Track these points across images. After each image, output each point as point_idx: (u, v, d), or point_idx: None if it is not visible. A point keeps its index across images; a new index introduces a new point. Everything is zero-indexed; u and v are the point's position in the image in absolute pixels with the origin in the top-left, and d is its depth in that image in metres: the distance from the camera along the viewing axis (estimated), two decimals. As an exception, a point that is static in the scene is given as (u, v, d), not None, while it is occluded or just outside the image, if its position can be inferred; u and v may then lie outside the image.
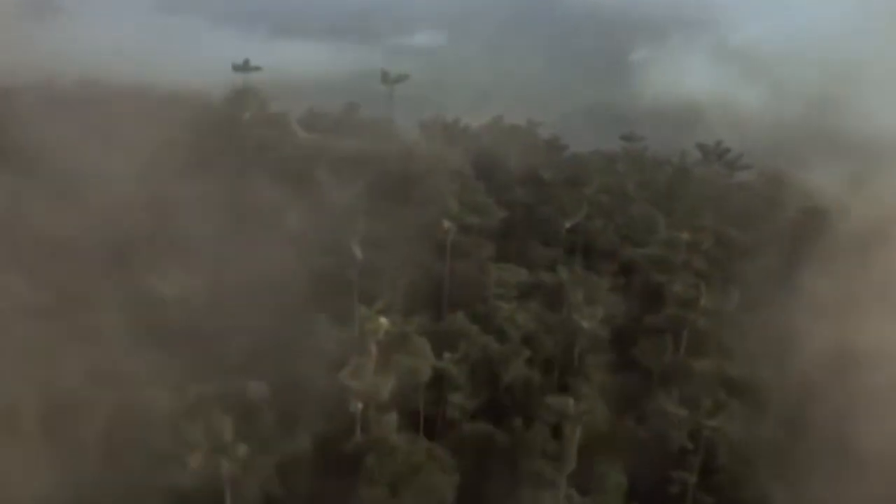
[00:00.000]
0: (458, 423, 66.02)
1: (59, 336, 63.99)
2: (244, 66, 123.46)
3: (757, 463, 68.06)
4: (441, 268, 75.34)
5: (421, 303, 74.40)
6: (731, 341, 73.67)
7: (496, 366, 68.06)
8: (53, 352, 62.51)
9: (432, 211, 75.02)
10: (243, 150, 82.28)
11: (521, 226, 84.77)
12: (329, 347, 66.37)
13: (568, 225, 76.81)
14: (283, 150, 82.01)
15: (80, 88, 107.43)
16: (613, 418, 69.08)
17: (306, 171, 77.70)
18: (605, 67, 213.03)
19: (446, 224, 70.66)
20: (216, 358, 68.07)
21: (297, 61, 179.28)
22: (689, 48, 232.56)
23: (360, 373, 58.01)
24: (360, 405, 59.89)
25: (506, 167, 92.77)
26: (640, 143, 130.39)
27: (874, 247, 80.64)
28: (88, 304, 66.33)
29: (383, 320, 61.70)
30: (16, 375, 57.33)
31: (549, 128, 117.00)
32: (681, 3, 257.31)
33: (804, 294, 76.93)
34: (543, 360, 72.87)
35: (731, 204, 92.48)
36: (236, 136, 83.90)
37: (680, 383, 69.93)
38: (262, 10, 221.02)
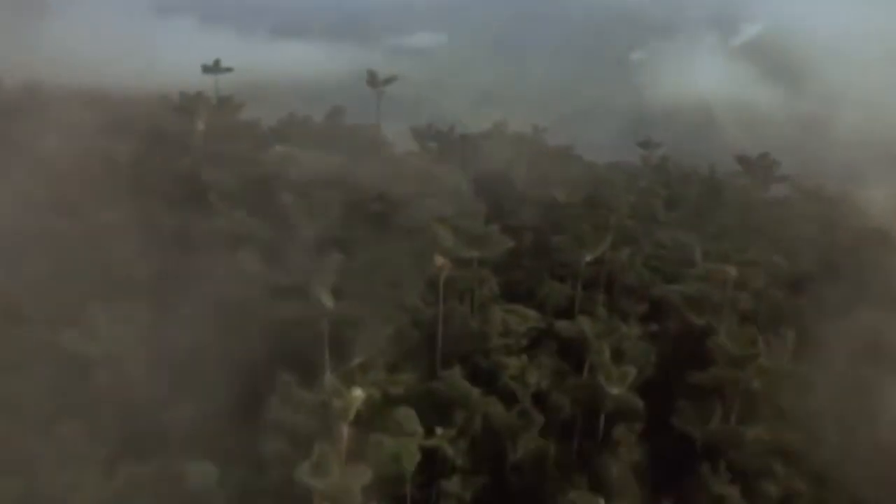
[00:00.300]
0: (454, 516, 52.59)
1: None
2: (214, 67, 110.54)
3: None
4: (434, 312, 61.68)
5: (409, 356, 60.90)
6: (790, 400, 60.09)
7: (502, 439, 54.61)
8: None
9: (423, 242, 61.40)
10: (193, 168, 68.66)
11: (529, 256, 71.06)
12: (294, 419, 53.08)
13: (589, 258, 63.09)
14: (242, 167, 68.23)
15: (22, 93, 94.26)
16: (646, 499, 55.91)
17: (269, 194, 64.06)
18: (608, 67, 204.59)
19: (440, 260, 57.02)
20: (152, 432, 55.07)
21: (296, 62, 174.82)
22: (696, 46, 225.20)
23: (325, 467, 44.41)
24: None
25: (510, 184, 78.95)
26: (657, 149, 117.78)
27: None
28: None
29: (358, 393, 48.20)
30: None
31: (553, 132, 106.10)
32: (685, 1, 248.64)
33: (877, 339, 63.49)
34: (559, 424, 59.45)
35: (773, 225, 78.65)
36: (186, 151, 70.32)
37: (728, 453, 56.76)
38: (261, 10, 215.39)
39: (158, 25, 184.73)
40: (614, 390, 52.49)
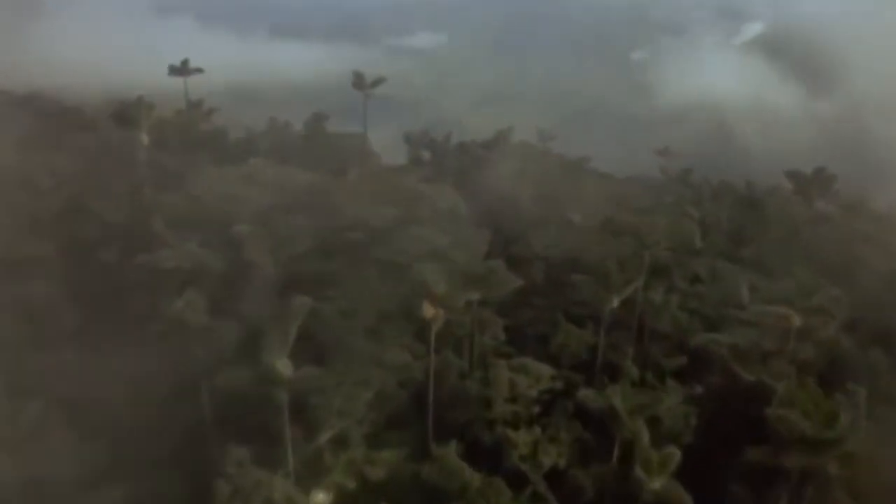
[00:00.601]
0: None
1: None
2: (182, 69, 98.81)
3: None
4: (424, 366, 49.89)
5: (393, 424, 49.21)
6: (867, 477, 48.25)
7: (510, 540, 42.94)
8: None
9: (410, 284, 49.57)
10: (135, 188, 56.96)
11: (540, 292, 59.12)
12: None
13: (616, 303, 51.29)
14: (192, 187, 56.38)
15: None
16: None
17: (219, 223, 52.24)
18: (609, 67, 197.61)
19: (429, 310, 45.17)
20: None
21: (295, 62, 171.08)
22: (698, 45, 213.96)
23: None
24: None
25: (516, 203, 67.04)
26: (675, 158, 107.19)
27: None
28: None
29: (320, 500, 36.50)
30: None
31: (553, 133, 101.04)
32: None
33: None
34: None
35: (824, 250, 66.82)
36: (127, 168, 58.64)
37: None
38: (260, 10, 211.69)
39: (157, 26, 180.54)
40: (655, 484, 40.68)
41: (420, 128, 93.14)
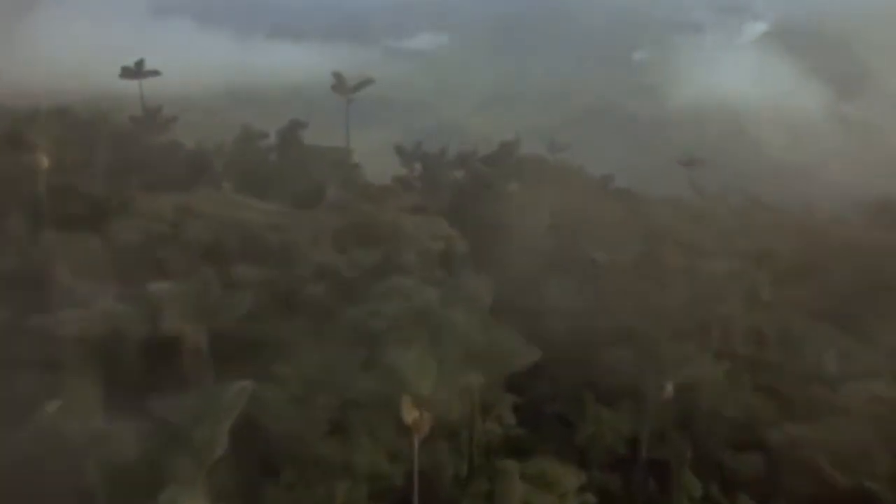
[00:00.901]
0: None
1: None
2: (137, 70, 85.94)
3: None
4: (408, 470, 36.83)
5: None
6: None
7: None
8: None
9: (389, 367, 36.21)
10: (33, 224, 43.95)
11: (558, 359, 45.76)
12: None
13: (670, 389, 38.11)
14: (105, 226, 43.24)
15: None
16: None
17: (139, 275, 39.16)
18: (610, 67, 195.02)
19: (411, 413, 31.98)
20: None
21: (294, 64, 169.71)
22: (699, 44, 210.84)
23: None
24: None
25: (525, 235, 53.82)
26: (700, 168, 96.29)
27: None
28: None
29: None
30: None
31: (555, 134, 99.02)
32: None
33: None
34: None
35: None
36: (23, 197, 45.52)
37: None
38: (259, 11, 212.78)
39: (155, 26, 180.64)
40: None
41: (419, 130, 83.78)
